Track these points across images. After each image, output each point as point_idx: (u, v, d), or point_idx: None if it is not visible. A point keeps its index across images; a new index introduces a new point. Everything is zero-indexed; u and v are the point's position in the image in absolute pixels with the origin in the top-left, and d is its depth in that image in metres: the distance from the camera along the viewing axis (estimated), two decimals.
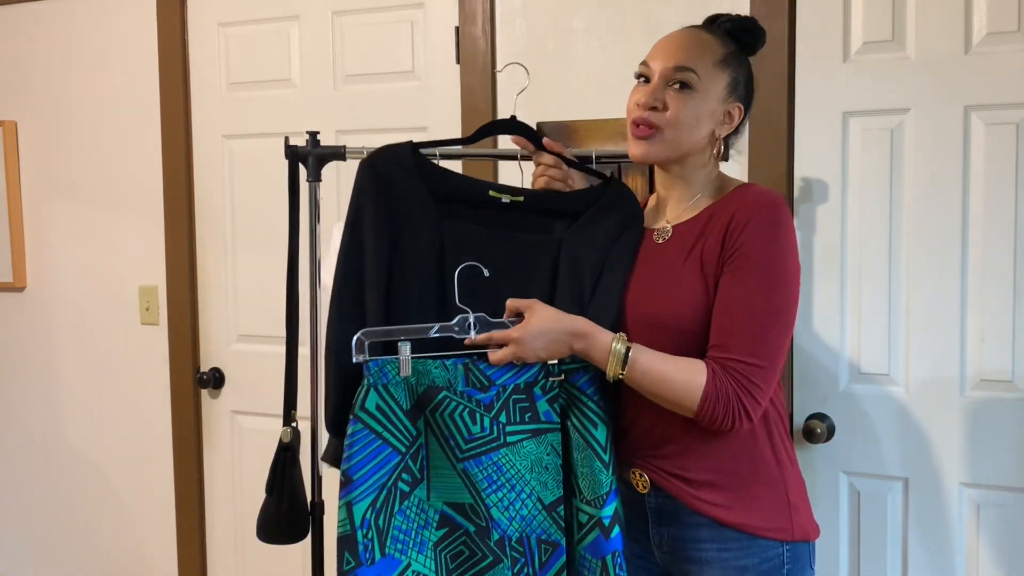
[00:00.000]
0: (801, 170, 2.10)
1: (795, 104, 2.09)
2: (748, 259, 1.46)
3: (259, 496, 1.86)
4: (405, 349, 1.52)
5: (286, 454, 1.84)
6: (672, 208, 1.63)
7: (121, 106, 2.86)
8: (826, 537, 2.01)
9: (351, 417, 1.53)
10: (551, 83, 2.32)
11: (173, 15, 2.75)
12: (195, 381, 2.82)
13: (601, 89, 2.27)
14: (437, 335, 1.53)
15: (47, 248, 3.02)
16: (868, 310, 2.06)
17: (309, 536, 1.87)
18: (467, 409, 1.53)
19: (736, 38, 1.60)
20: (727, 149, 1.63)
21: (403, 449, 1.54)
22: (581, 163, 1.76)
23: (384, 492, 1.52)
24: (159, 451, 2.89)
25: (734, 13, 1.64)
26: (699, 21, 1.64)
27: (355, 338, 1.51)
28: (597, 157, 1.90)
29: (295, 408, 1.89)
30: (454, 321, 1.54)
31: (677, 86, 1.54)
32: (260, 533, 1.86)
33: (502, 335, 1.50)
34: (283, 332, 1.90)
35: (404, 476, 1.54)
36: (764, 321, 1.45)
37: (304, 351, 1.88)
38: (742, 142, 1.89)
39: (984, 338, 1.96)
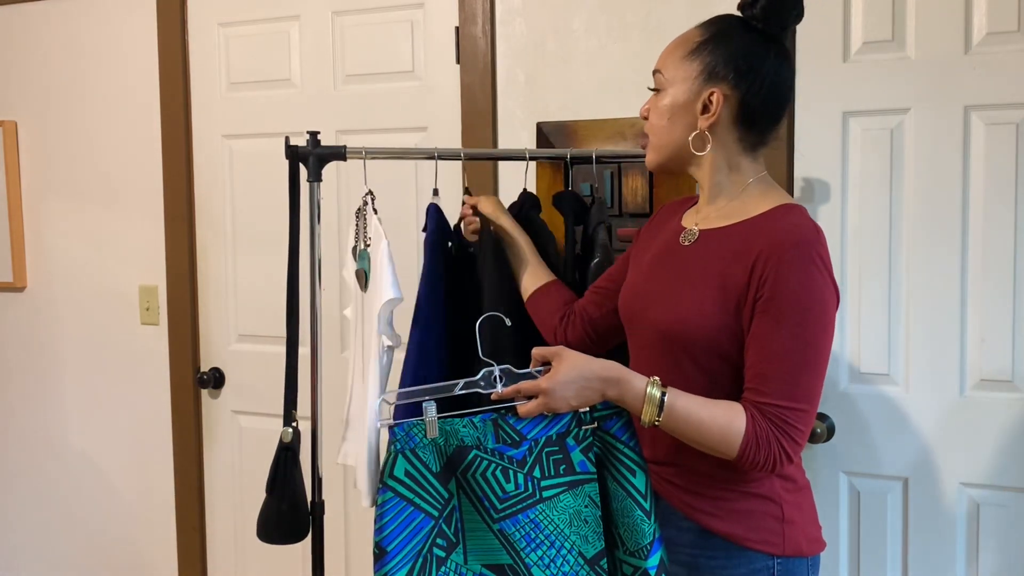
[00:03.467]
0: (801, 170, 2.10)
1: (795, 104, 2.09)
2: (780, 302, 1.40)
3: (259, 496, 1.86)
4: (431, 410, 1.45)
5: (287, 454, 1.84)
6: (702, 209, 1.58)
7: (121, 106, 2.86)
8: (826, 537, 2.00)
9: (380, 486, 1.47)
10: (551, 83, 2.32)
11: (173, 15, 2.75)
12: (195, 381, 2.82)
13: (601, 89, 2.27)
14: (463, 392, 1.47)
15: (47, 248, 3.02)
16: (868, 310, 2.06)
17: (309, 536, 1.88)
18: (499, 467, 1.46)
19: (759, 21, 1.50)
20: (757, 137, 1.51)
21: (436, 514, 1.47)
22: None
23: (420, 560, 1.46)
24: (159, 451, 2.89)
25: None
26: (698, 21, 1.58)
27: (377, 402, 1.48)
28: (597, 157, 1.90)
29: (295, 408, 1.89)
30: (479, 376, 1.47)
31: (653, 92, 1.56)
32: (260, 533, 1.86)
33: (531, 386, 1.43)
34: (283, 332, 1.90)
35: (439, 541, 1.47)
36: (800, 364, 1.40)
37: (304, 351, 1.88)
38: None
39: (984, 338, 1.97)
